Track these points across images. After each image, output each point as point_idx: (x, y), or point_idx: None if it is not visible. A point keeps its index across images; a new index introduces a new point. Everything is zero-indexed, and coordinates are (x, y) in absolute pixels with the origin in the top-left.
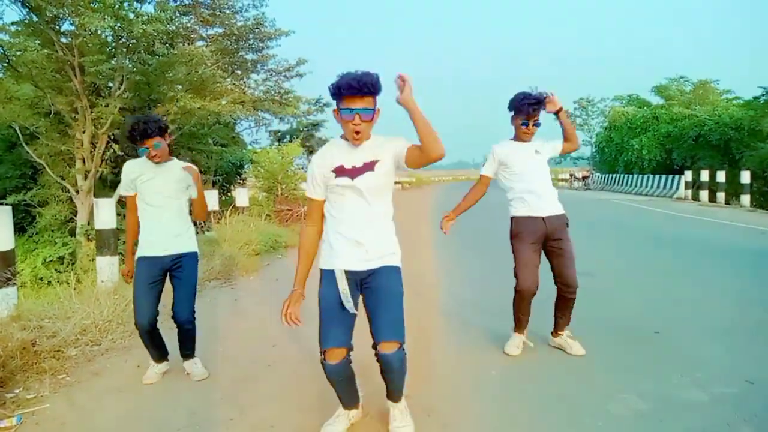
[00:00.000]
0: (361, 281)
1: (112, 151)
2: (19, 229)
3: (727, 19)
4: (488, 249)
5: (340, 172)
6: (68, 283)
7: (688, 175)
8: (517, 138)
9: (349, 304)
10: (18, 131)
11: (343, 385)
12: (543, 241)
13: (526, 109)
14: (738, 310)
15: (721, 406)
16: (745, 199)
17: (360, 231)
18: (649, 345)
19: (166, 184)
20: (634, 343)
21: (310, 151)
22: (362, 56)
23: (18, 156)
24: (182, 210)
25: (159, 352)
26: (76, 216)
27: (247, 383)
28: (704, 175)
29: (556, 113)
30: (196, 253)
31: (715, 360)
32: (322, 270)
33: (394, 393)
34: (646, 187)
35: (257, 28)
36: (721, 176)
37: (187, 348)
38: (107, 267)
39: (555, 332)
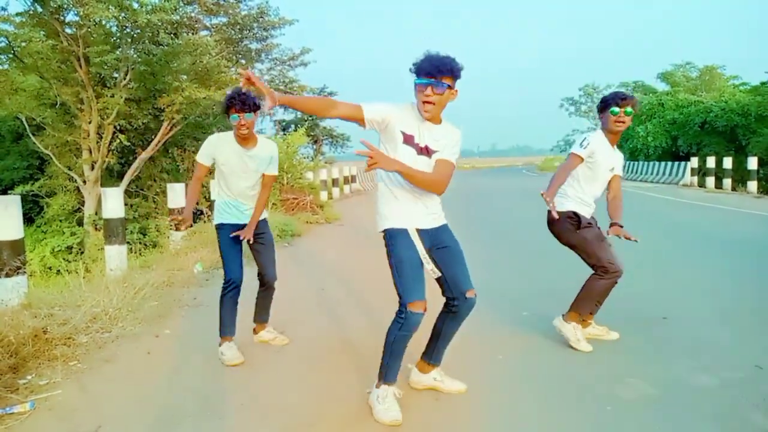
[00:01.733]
0: (430, 238)
1: (118, 141)
2: (27, 219)
3: (735, 4)
4: (497, 236)
5: (408, 140)
6: (77, 272)
7: (694, 162)
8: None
9: (430, 266)
10: (24, 122)
11: (405, 345)
12: None
13: (615, 100)
14: (746, 296)
15: (730, 391)
16: (752, 185)
17: (422, 192)
18: (657, 330)
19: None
20: (642, 328)
21: (315, 140)
22: (367, 45)
23: (25, 147)
24: None
25: (230, 324)
26: (83, 206)
27: (257, 369)
28: (710, 162)
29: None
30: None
31: (724, 345)
32: (392, 228)
33: (438, 351)
34: (652, 174)
35: (261, 17)
36: (727, 163)
37: (267, 312)
38: (116, 255)
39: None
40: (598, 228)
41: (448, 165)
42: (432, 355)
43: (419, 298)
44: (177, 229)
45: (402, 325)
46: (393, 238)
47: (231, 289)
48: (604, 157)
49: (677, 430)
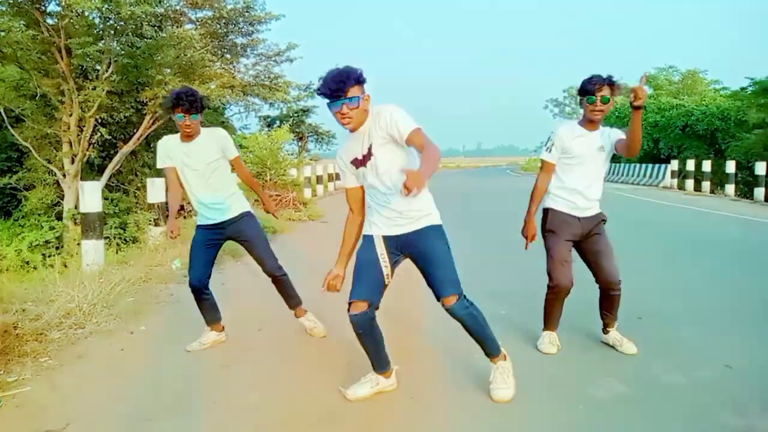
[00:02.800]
0: (401, 245)
1: (99, 134)
2: (5, 212)
3: (717, 10)
4: (483, 234)
5: (356, 163)
6: (55, 267)
7: (674, 165)
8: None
9: (386, 271)
10: (3, 113)
11: (368, 342)
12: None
13: (590, 86)
14: (720, 297)
15: (700, 390)
16: (730, 188)
17: (388, 201)
18: (631, 330)
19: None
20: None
21: (300, 137)
22: (353, 41)
23: (3, 139)
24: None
25: (207, 316)
26: (63, 200)
27: (232, 367)
28: (690, 165)
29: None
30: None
31: (696, 345)
32: (363, 234)
33: (483, 348)
34: (633, 176)
35: (247, 11)
36: (706, 166)
37: (291, 298)
38: (93, 250)
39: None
40: (570, 240)
41: (417, 133)
42: (484, 350)
43: (357, 298)
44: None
45: (351, 324)
46: (361, 242)
47: (192, 291)
48: (579, 146)
49: (647, 428)
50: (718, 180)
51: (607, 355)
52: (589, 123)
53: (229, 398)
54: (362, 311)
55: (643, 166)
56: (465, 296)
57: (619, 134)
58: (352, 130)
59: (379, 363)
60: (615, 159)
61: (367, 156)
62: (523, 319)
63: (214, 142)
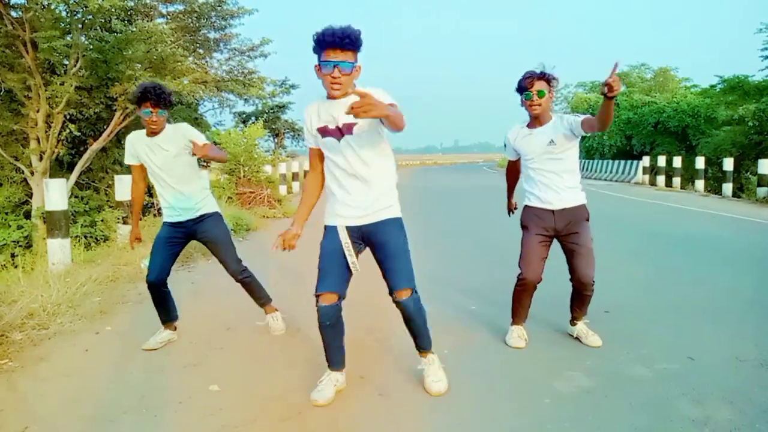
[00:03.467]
0: (362, 234)
1: (68, 131)
2: None
3: (688, 8)
4: (455, 229)
5: (323, 132)
6: (19, 267)
7: (645, 161)
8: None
9: (352, 260)
10: None
11: (331, 335)
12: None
13: (524, 82)
14: (686, 290)
15: (663, 382)
16: (700, 184)
17: (354, 189)
18: (598, 324)
19: None
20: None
21: (276, 134)
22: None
23: None
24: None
25: (163, 314)
26: (31, 198)
27: (199, 367)
28: (661, 161)
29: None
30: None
31: (661, 338)
32: (326, 225)
33: (417, 342)
34: (606, 172)
35: (219, 5)
36: (677, 162)
37: (259, 298)
38: (59, 249)
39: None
40: (541, 235)
41: (394, 106)
42: (418, 344)
43: (326, 289)
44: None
45: (317, 316)
46: (324, 233)
47: (149, 288)
48: (525, 145)
49: (610, 419)
50: (689, 176)
51: (573, 348)
52: (534, 120)
53: (195, 398)
54: (332, 303)
55: (616, 162)
56: (416, 291)
57: (574, 118)
58: (339, 96)
59: (338, 359)
60: (588, 155)
61: (345, 130)
62: (492, 313)
63: (180, 136)
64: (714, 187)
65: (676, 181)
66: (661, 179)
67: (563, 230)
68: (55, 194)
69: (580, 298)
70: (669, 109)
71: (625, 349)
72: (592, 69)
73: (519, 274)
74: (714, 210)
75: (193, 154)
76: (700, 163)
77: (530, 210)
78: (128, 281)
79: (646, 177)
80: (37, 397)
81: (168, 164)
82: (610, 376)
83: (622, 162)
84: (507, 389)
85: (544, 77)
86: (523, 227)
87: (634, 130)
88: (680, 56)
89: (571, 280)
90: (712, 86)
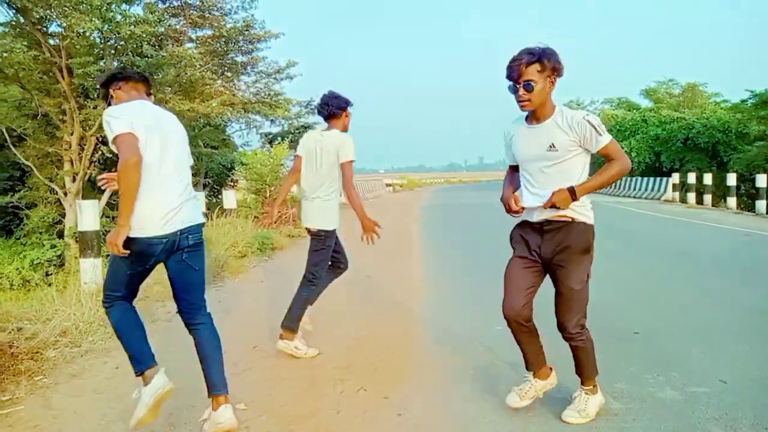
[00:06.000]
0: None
1: (100, 153)
2: (7, 231)
3: (717, 23)
4: (477, 249)
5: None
6: (50, 285)
7: (675, 178)
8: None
9: None
10: (5, 133)
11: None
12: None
13: (509, 72)
14: (718, 311)
15: (694, 405)
16: (732, 201)
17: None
18: (628, 345)
19: None
20: (614, 343)
21: None
22: (352, 59)
23: (5, 158)
24: None
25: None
26: (64, 218)
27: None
28: (691, 178)
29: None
30: None
31: (692, 360)
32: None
33: (210, 377)
34: (635, 189)
35: (247, 30)
36: (708, 179)
37: None
38: (90, 269)
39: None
40: (525, 258)
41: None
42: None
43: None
44: None
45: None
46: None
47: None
48: (519, 144)
49: None
50: (720, 193)
51: (604, 371)
52: (531, 115)
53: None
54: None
55: (645, 179)
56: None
57: (593, 136)
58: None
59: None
60: None
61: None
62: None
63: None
64: (747, 204)
65: (707, 198)
66: (691, 196)
67: (550, 257)
68: (88, 215)
69: (572, 351)
70: (698, 124)
71: (654, 372)
72: (619, 85)
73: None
74: (747, 228)
75: None
76: (731, 179)
77: (518, 226)
78: (157, 300)
79: (676, 194)
80: (70, 414)
81: None
82: (639, 398)
83: (651, 179)
84: (533, 412)
85: (538, 60)
86: (512, 247)
87: (663, 146)
88: (709, 71)
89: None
90: (743, 101)
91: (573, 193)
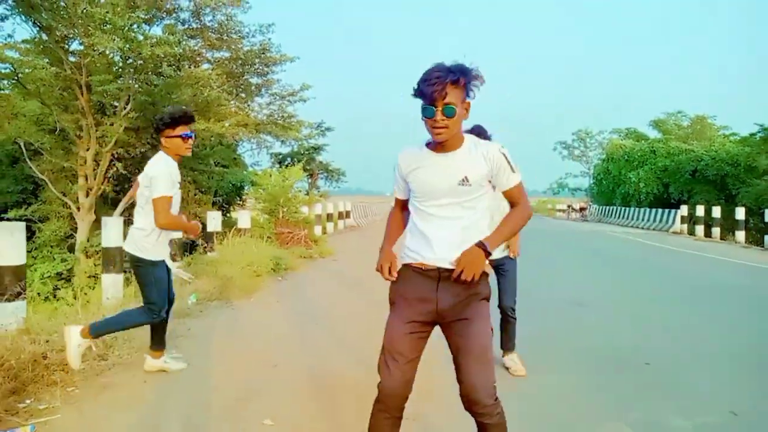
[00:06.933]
0: None
1: (115, 169)
2: None
3: (725, 56)
4: None
5: None
6: (66, 299)
7: (684, 210)
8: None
9: None
10: (22, 147)
11: None
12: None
13: (426, 88)
14: (728, 342)
15: None
16: (740, 235)
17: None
18: (639, 375)
19: None
20: (625, 372)
21: (310, 174)
22: (365, 83)
23: (20, 171)
24: None
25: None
26: (75, 232)
27: (250, 402)
28: (700, 210)
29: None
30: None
31: (702, 390)
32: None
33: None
34: (643, 220)
35: (263, 53)
36: (716, 211)
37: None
38: (112, 284)
39: None
40: (412, 320)
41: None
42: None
43: None
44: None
45: None
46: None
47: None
48: (425, 177)
49: None
50: (729, 226)
51: (616, 399)
52: (438, 145)
53: (250, 428)
54: None
55: (653, 210)
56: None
57: (505, 172)
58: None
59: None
60: (624, 203)
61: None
62: (525, 350)
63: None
64: (756, 239)
65: (716, 231)
66: (699, 229)
67: (448, 313)
68: (112, 231)
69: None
70: (707, 157)
71: (666, 401)
72: (628, 116)
73: (379, 382)
74: (756, 263)
75: None
76: (740, 213)
77: (404, 273)
78: (176, 316)
79: (684, 226)
80: (104, 424)
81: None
82: (650, 427)
83: (660, 210)
84: None
85: (460, 81)
86: (391, 302)
87: (671, 177)
88: (718, 105)
89: (460, 395)
90: (752, 134)
91: (485, 249)
